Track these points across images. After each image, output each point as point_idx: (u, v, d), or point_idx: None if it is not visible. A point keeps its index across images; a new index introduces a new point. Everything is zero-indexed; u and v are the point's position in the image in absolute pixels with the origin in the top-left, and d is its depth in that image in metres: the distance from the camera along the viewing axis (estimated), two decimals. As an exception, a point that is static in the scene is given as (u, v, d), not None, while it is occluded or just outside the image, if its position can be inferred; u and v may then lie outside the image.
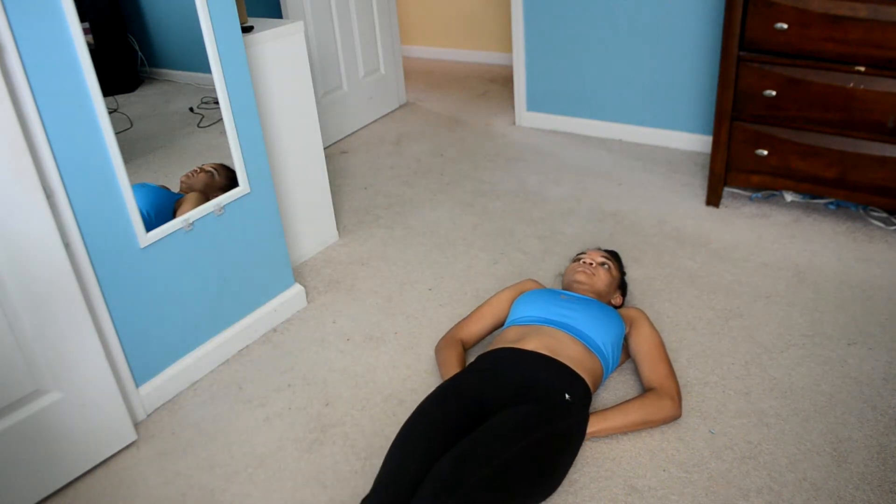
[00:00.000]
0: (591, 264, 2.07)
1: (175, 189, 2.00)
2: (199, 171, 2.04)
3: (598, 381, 1.82)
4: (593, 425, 1.73)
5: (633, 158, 3.31)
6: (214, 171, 2.05)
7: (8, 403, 1.61)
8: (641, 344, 1.90)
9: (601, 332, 1.85)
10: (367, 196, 3.13)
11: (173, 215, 1.94)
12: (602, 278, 2.05)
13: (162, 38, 2.05)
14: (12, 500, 1.65)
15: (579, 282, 2.03)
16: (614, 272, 2.11)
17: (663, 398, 1.78)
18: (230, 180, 2.07)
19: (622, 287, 2.15)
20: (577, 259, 2.14)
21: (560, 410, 1.63)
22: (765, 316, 2.17)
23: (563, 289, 2.11)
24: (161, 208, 1.93)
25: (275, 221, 2.24)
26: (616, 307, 2.11)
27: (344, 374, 2.07)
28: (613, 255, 2.19)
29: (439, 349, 2.01)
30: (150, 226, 1.86)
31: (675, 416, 1.79)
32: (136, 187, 1.81)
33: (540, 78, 3.64)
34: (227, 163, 2.06)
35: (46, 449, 1.68)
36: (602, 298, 2.05)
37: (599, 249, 2.18)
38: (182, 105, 2.07)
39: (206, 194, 2.02)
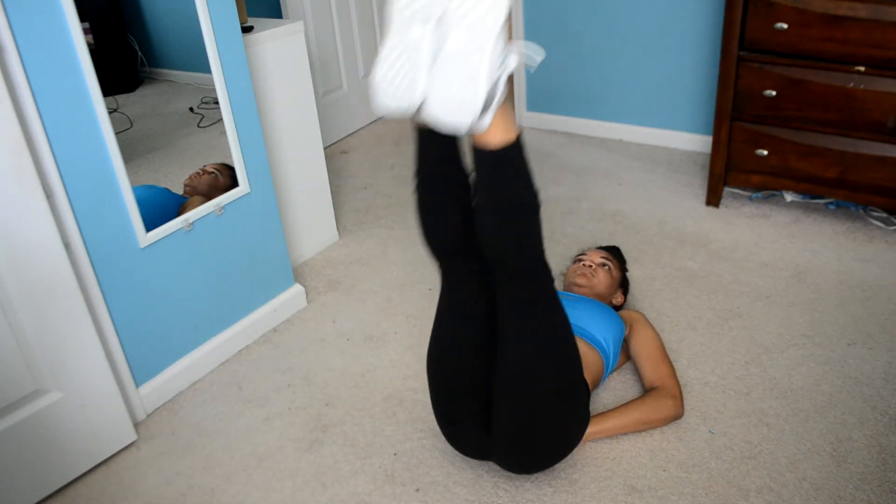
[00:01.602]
0: (591, 266, 2.07)
1: (179, 191, 2.00)
2: (202, 172, 2.04)
3: (598, 380, 1.82)
4: (595, 425, 1.74)
5: (633, 158, 3.31)
6: (217, 172, 2.05)
7: (8, 403, 1.61)
8: (643, 345, 1.90)
9: (602, 328, 1.84)
10: (367, 196, 3.13)
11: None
12: (602, 280, 2.05)
13: (162, 38, 2.05)
14: (12, 500, 1.65)
15: (579, 285, 2.03)
16: (615, 272, 2.11)
17: (665, 397, 1.78)
18: (234, 180, 2.07)
19: (624, 285, 2.15)
20: (577, 260, 2.13)
21: None
22: (765, 316, 2.17)
23: (564, 290, 2.11)
24: (166, 211, 1.93)
25: (275, 221, 2.24)
26: (618, 306, 2.11)
27: (344, 374, 2.07)
28: (614, 253, 2.19)
29: None
30: (154, 228, 1.86)
31: (678, 416, 1.79)
32: (142, 188, 1.82)
33: (540, 78, 3.64)
34: (228, 162, 2.06)
35: (46, 449, 1.68)
36: (603, 299, 2.05)
37: (599, 249, 2.18)
38: (182, 105, 2.07)
39: (211, 196, 2.02)
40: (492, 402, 1.54)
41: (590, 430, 1.73)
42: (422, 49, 1.19)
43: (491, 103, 1.21)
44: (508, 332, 1.47)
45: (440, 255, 1.52)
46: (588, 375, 1.75)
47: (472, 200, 1.44)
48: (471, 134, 1.28)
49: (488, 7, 1.15)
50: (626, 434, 1.77)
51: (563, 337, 1.50)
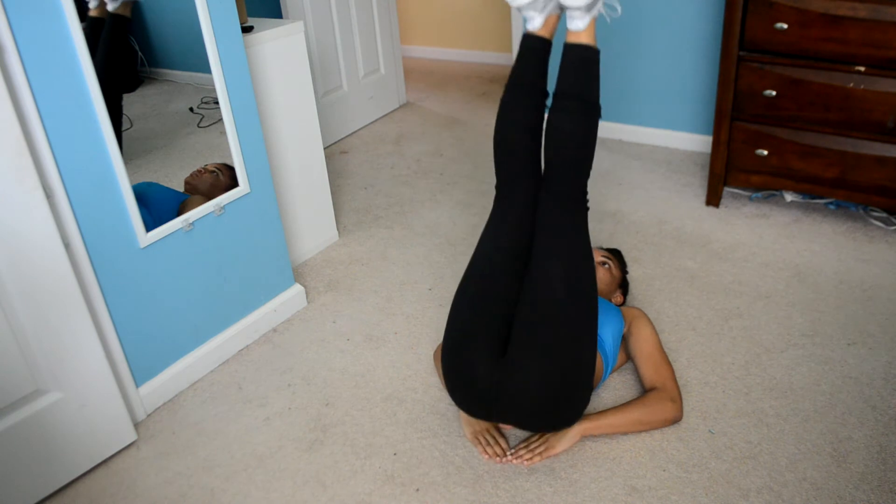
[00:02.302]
0: (591, 264, 2.07)
1: (179, 189, 1.99)
2: (203, 171, 2.03)
3: (598, 379, 1.81)
4: (593, 420, 1.74)
5: (633, 158, 3.31)
6: (218, 172, 2.05)
7: (8, 403, 1.61)
8: (643, 343, 1.90)
9: (601, 326, 1.84)
10: (367, 196, 3.13)
11: (178, 216, 1.94)
12: (602, 277, 2.05)
13: (162, 38, 2.05)
14: (12, 500, 1.65)
15: None
16: (615, 271, 2.11)
17: (665, 400, 1.78)
18: (234, 180, 2.07)
19: (623, 286, 2.16)
20: (577, 259, 2.14)
21: None
22: (765, 316, 2.17)
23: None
24: (167, 208, 1.93)
25: (275, 221, 2.24)
26: (617, 306, 2.11)
27: (344, 374, 2.07)
28: (615, 254, 2.19)
29: (438, 356, 2.00)
30: (155, 225, 1.86)
31: (677, 419, 1.79)
32: (143, 186, 1.81)
33: (540, 78, 3.64)
34: (229, 162, 2.06)
35: (46, 449, 1.68)
36: (602, 297, 2.05)
37: (600, 248, 2.18)
38: (182, 105, 2.07)
39: (211, 196, 2.02)
40: (512, 326, 1.64)
41: (587, 424, 1.73)
42: None
43: (594, 7, 1.67)
44: (542, 250, 1.66)
45: (505, 160, 1.74)
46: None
47: (543, 125, 1.73)
48: (571, 30, 1.73)
49: None
50: (625, 434, 1.77)
51: (586, 255, 1.66)
